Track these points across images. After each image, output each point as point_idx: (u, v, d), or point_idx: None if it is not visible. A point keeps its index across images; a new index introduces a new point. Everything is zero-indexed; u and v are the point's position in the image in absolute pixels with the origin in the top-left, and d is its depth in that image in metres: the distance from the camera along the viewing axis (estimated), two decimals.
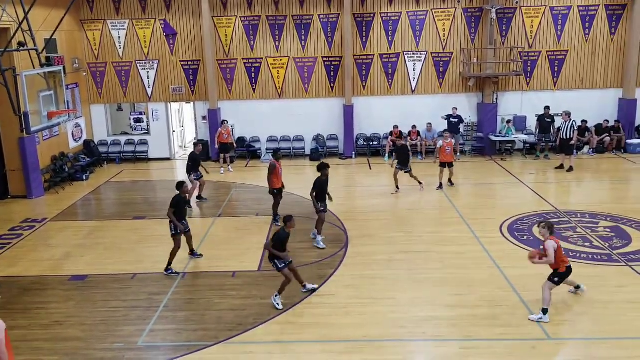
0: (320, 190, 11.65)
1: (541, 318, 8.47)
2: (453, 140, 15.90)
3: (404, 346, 8.14)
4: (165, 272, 10.58)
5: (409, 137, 19.38)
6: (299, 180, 14.75)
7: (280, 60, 19.74)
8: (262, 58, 19.72)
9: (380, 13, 19.34)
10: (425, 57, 19.60)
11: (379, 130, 20.06)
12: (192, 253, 11.31)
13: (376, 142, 20.07)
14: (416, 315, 8.84)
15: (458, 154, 15.45)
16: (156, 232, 12.87)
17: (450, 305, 9.12)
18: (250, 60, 19.75)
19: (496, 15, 18.77)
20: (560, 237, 11.72)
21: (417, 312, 8.93)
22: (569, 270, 8.58)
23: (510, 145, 19.65)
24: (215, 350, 8.13)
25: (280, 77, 19.85)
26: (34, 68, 13.90)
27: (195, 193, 14.96)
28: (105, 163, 19.96)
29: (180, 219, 10.56)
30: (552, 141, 18.87)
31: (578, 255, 10.89)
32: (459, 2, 19.19)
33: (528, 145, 19.64)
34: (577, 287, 9.25)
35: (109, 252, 11.83)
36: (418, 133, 19.49)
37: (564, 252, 8.65)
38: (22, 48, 13.53)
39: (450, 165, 15.63)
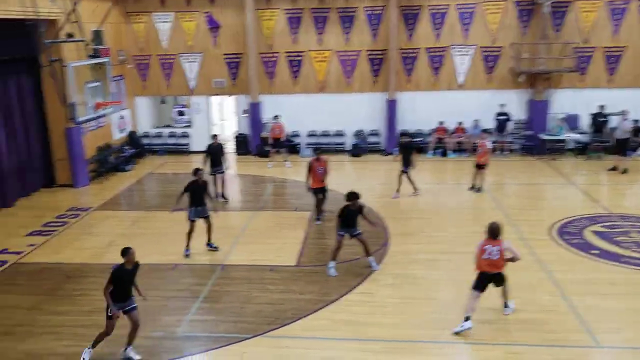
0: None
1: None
2: (487, 143, 14.65)
3: (445, 348, 7.85)
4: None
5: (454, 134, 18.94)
6: (338, 176, 14.51)
7: (323, 53, 19.52)
8: (304, 51, 19.55)
9: (428, 5, 18.87)
10: (474, 51, 19.06)
11: (423, 126, 19.62)
12: (209, 244, 11.45)
13: (420, 139, 19.66)
14: (459, 318, 8.52)
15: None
16: (197, 224, 12.86)
17: (495, 308, 8.75)
18: (293, 54, 19.60)
19: (550, 8, 18.04)
20: (612, 242, 11.21)
21: (460, 314, 8.61)
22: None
23: (562, 144, 18.90)
24: (253, 343, 8.04)
25: (322, 71, 19.64)
26: (82, 59, 14.15)
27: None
28: (148, 154, 20.20)
29: (198, 204, 11.11)
30: (606, 141, 18.07)
31: (630, 261, 10.34)
32: None
33: (580, 145, 18.87)
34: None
35: (150, 242, 11.88)
36: (464, 130, 18.97)
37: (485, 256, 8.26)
38: (70, 39, 13.80)
39: (482, 167, 14.67)
